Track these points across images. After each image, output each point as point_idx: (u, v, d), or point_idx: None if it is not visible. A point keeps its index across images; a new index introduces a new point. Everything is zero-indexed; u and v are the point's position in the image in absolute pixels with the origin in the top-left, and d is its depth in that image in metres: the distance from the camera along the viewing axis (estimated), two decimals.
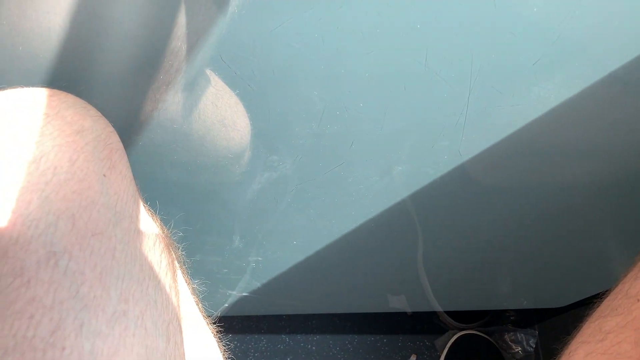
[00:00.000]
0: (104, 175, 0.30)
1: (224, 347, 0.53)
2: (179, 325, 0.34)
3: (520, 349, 0.87)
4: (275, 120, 0.40)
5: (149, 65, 0.41)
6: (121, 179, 0.32)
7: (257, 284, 0.68)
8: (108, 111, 0.36)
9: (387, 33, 0.31)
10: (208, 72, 0.46)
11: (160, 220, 0.40)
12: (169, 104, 0.45)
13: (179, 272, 0.42)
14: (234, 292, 0.70)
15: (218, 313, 0.75)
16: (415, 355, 0.89)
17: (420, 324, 0.92)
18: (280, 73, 0.35)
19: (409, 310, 0.85)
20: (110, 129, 0.34)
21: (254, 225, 0.53)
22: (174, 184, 0.52)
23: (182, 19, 0.40)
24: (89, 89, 0.39)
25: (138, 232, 0.32)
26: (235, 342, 0.88)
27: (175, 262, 0.41)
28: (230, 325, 0.90)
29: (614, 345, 0.42)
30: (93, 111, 0.34)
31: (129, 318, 0.27)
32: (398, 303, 0.79)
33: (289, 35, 0.32)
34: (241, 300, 0.71)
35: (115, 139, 0.34)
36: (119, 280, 0.28)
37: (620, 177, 0.50)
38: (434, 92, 0.35)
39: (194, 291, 0.47)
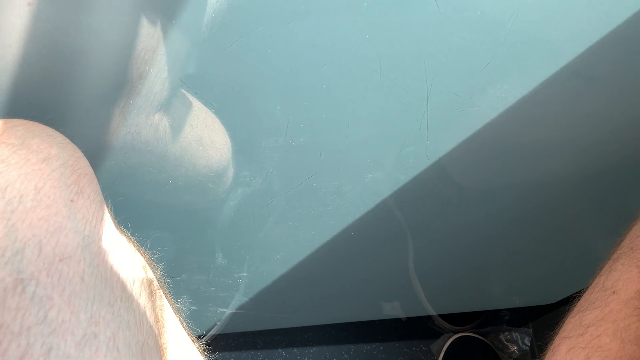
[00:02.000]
0: (72, 201, 0.31)
1: None
2: (156, 345, 0.34)
3: (515, 348, 0.87)
4: (241, 137, 0.40)
5: (116, 90, 0.41)
6: (89, 203, 0.33)
7: (247, 300, 0.68)
8: (79, 138, 0.36)
9: (338, 45, 0.32)
10: (181, 93, 0.47)
11: (137, 242, 0.40)
12: (142, 127, 0.46)
13: (160, 292, 0.43)
14: (226, 310, 0.71)
15: (213, 331, 0.75)
16: None
17: (416, 329, 0.92)
18: (239, 90, 0.36)
19: (403, 316, 0.86)
20: (79, 154, 0.35)
21: (234, 241, 0.54)
22: (154, 205, 0.53)
23: (147, 44, 0.41)
24: (58, 117, 0.39)
25: (108, 255, 0.32)
26: (232, 359, 0.88)
27: (155, 282, 0.41)
28: (227, 342, 0.90)
29: (594, 338, 0.42)
30: (60, 138, 0.35)
31: (100, 340, 0.28)
32: (392, 309, 0.79)
33: (243, 52, 0.33)
34: (234, 317, 0.71)
35: (83, 164, 0.34)
36: (88, 303, 0.28)
37: (593, 170, 0.51)
38: (393, 99, 0.36)
39: (177, 310, 0.47)
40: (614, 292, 0.42)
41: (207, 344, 0.90)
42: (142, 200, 0.52)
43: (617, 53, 0.36)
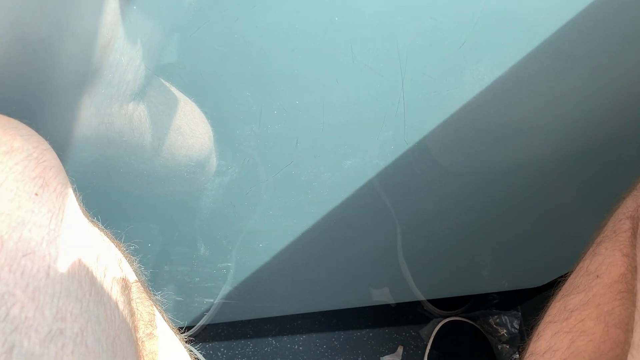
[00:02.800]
0: (36, 194, 0.30)
1: (195, 357, 0.52)
2: (129, 339, 0.34)
3: (505, 331, 0.87)
4: (214, 125, 0.40)
5: (86, 80, 0.40)
6: (55, 196, 0.32)
7: (234, 290, 0.68)
8: (50, 130, 0.36)
9: (307, 29, 0.31)
10: (156, 82, 0.46)
11: (113, 235, 0.39)
12: (115, 117, 0.45)
13: (137, 285, 0.42)
14: (213, 300, 0.70)
15: (202, 321, 0.75)
16: (402, 347, 0.89)
17: (405, 315, 0.92)
18: (209, 77, 0.35)
19: (392, 301, 0.86)
20: (44, 146, 0.34)
21: (215, 231, 0.53)
22: (131, 196, 0.52)
23: (115, 32, 0.40)
24: (26, 109, 0.38)
25: (76, 249, 0.32)
26: (222, 349, 0.88)
27: (131, 274, 0.40)
28: (216, 332, 0.90)
29: (578, 322, 0.42)
30: (24, 130, 0.34)
31: (67, 336, 0.27)
32: (381, 295, 0.79)
33: (210, 38, 0.32)
34: (223, 307, 0.71)
35: (49, 157, 0.34)
36: (54, 299, 0.28)
37: (575, 152, 0.50)
38: (367, 83, 0.36)
39: (157, 302, 0.47)
40: (597, 276, 0.42)
41: (196, 335, 0.90)
42: (119, 192, 0.51)
43: (595, 30, 0.35)
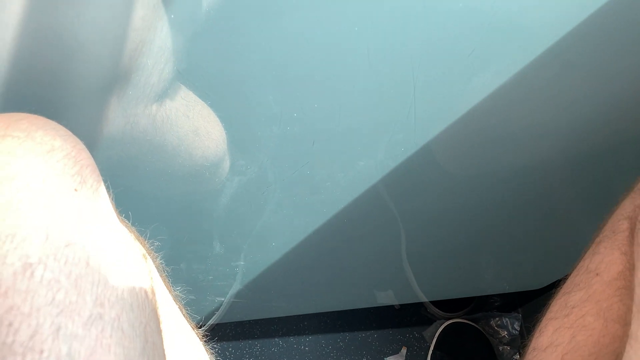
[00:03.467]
0: (75, 190, 0.32)
1: (212, 352, 0.54)
2: (157, 327, 0.36)
3: (506, 333, 0.89)
4: (237, 127, 0.42)
5: (116, 82, 0.43)
6: (92, 192, 0.34)
7: (244, 289, 0.69)
8: (80, 130, 0.38)
9: (329, 37, 0.33)
10: (177, 85, 0.48)
11: (137, 231, 0.41)
12: (140, 117, 0.47)
13: (159, 280, 0.44)
14: (223, 299, 0.72)
15: (211, 321, 0.76)
16: (406, 348, 0.91)
17: (408, 317, 0.94)
18: (235, 82, 0.37)
19: (396, 303, 0.87)
20: (81, 146, 0.36)
21: (231, 230, 0.55)
22: (153, 195, 0.54)
23: (144, 36, 0.42)
24: (59, 110, 0.41)
25: (110, 242, 0.34)
26: (230, 349, 0.90)
27: (155, 269, 0.42)
28: (224, 332, 0.91)
29: (579, 318, 0.44)
30: (63, 131, 0.36)
31: (105, 321, 0.29)
32: (385, 297, 0.81)
33: (237, 45, 0.34)
34: (232, 307, 0.73)
35: (85, 156, 0.36)
36: (94, 286, 0.30)
37: (577, 156, 0.52)
38: (382, 88, 0.38)
39: (177, 297, 0.49)
40: (597, 274, 0.44)
41: (206, 333, 0.91)
42: (141, 191, 0.53)
43: (596, 38, 0.37)
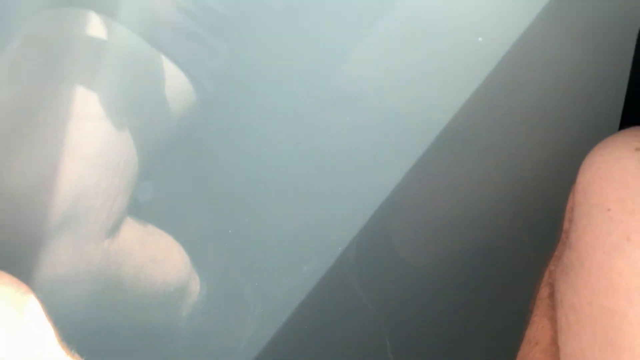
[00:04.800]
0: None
1: None
2: None
3: None
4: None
5: (65, 226, 0.45)
6: (34, 326, 0.35)
7: None
8: (34, 272, 0.39)
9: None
10: (129, 219, 0.51)
11: None
12: (93, 254, 0.49)
13: None
14: None
15: None
16: None
17: None
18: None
19: None
20: (24, 289, 0.38)
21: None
22: (116, 328, 0.54)
23: (89, 182, 0.45)
24: (13, 257, 0.43)
25: None
26: None
27: None
28: None
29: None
30: (7, 278, 0.38)
31: None
32: None
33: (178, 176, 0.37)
34: None
35: (28, 297, 0.38)
36: None
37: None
38: None
39: None
40: (536, 344, 0.45)
41: None
42: (104, 325, 0.54)
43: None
